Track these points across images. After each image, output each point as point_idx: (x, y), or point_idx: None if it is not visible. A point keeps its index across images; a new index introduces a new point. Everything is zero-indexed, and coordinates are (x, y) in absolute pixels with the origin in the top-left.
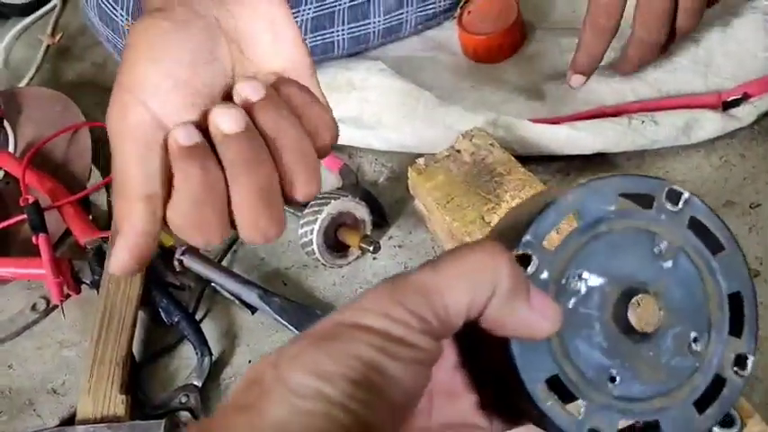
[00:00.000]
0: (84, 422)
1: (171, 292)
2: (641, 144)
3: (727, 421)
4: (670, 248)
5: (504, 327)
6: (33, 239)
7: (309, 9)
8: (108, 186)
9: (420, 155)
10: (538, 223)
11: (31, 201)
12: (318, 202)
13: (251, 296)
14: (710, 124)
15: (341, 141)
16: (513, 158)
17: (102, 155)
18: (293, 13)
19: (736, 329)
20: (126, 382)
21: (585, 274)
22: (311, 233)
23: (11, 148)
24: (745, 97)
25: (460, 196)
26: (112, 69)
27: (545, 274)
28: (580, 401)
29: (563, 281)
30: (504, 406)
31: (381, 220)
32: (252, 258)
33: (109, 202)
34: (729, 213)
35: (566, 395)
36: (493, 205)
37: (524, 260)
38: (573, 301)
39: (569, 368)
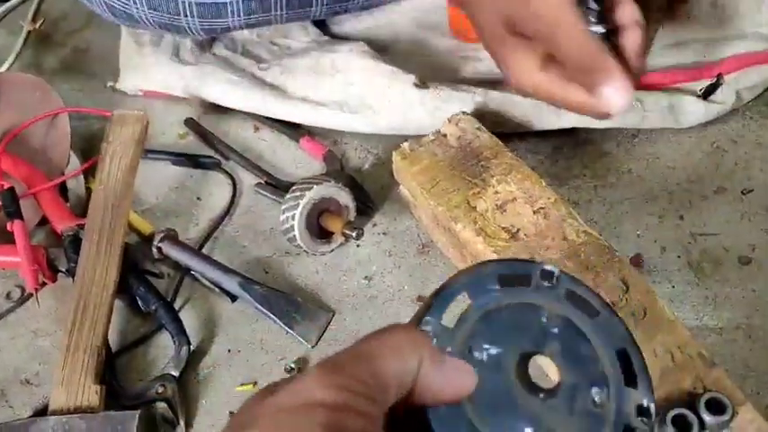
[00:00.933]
0: (58, 413)
1: (148, 280)
2: (629, 123)
3: (719, 409)
4: (553, 317)
5: (429, 390)
6: (8, 226)
7: None
8: (86, 172)
9: (406, 138)
10: (433, 307)
11: (6, 187)
12: (300, 187)
13: (231, 284)
14: (693, 108)
15: (326, 125)
16: (500, 143)
17: (80, 141)
18: None
19: (631, 382)
20: (100, 372)
21: (485, 345)
22: (292, 219)
23: None
24: (720, 78)
25: (446, 180)
26: (94, 55)
27: (448, 349)
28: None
29: (466, 352)
30: None
31: (366, 206)
32: (233, 246)
33: (87, 189)
34: (721, 200)
35: None
36: (479, 190)
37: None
38: (477, 369)
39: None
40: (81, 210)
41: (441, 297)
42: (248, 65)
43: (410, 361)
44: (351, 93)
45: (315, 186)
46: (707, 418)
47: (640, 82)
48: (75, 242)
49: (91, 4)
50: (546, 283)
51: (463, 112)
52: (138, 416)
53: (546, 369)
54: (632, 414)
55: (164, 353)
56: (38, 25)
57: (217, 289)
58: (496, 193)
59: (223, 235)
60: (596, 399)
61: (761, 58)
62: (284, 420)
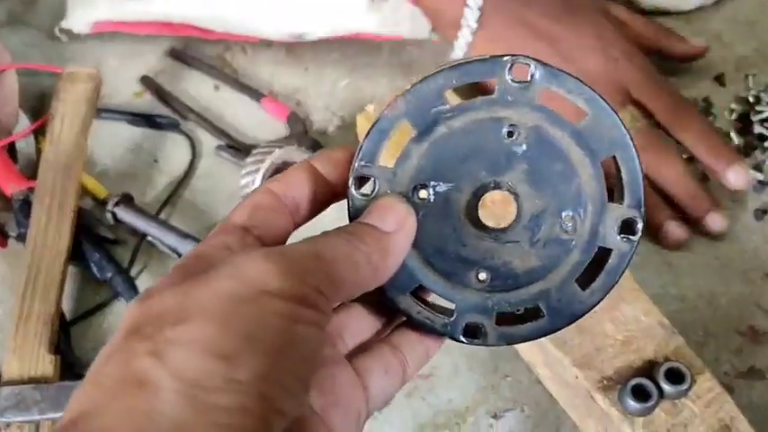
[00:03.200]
0: (11, 383)
1: (104, 247)
2: None
3: (678, 377)
4: (520, 130)
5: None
6: None
7: None
8: (36, 133)
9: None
10: (366, 145)
11: None
12: (262, 150)
13: (189, 248)
14: None
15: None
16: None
17: (30, 99)
18: None
19: (617, 195)
20: (54, 342)
21: (432, 183)
22: (253, 183)
23: None
24: None
25: None
26: (43, 7)
27: (388, 191)
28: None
29: (409, 194)
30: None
31: None
32: (191, 210)
33: (38, 150)
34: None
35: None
36: None
37: (362, 181)
38: (422, 212)
39: (432, 276)
40: (31, 172)
41: (375, 132)
42: None
43: (362, 268)
44: None
45: (276, 150)
46: (666, 387)
47: None
48: (26, 206)
49: None
50: (516, 85)
51: None
52: None
53: (499, 204)
54: (611, 233)
55: (120, 322)
56: None
57: (175, 255)
58: None
59: (181, 199)
60: (568, 224)
61: None
62: (235, 310)
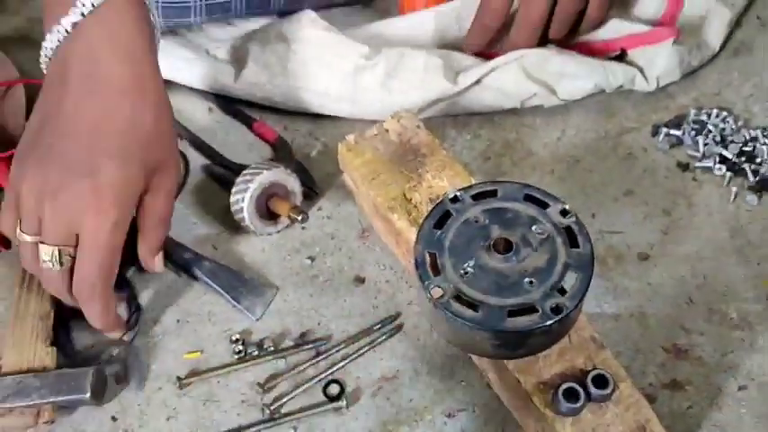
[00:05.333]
0: (11, 374)
1: None
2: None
3: (603, 383)
4: (545, 232)
5: None
6: None
7: None
8: None
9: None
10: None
11: None
12: (252, 171)
13: (182, 259)
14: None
15: (273, 100)
16: (436, 141)
17: None
18: None
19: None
20: (51, 336)
21: (484, 218)
22: (242, 201)
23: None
24: (623, 52)
25: (385, 173)
26: None
27: (466, 215)
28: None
29: (473, 221)
30: None
31: (312, 191)
32: (183, 222)
33: None
34: (628, 202)
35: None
36: (415, 183)
37: (454, 200)
38: (468, 229)
39: (448, 258)
40: None
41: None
42: (204, 43)
43: None
44: (295, 63)
45: (265, 171)
46: (592, 390)
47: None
48: None
49: None
50: (558, 218)
51: (405, 111)
52: (91, 373)
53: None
54: (559, 220)
55: None
56: None
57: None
58: (430, 187)
59: (174, 211)
60: (539, 230)
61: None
62: None
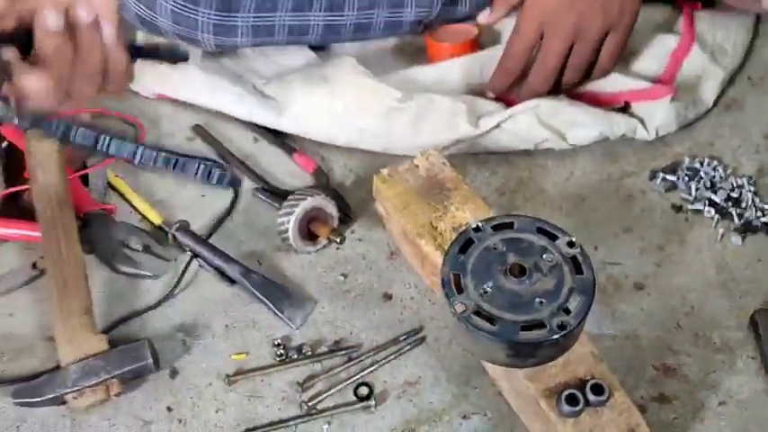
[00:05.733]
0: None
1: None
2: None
3: (599, 391)
4: (554, 260)
5: None
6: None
7: None
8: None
9: (385, 157)
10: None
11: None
12: (297, 197)
13: (233, 271)
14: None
15: (316, 137)
16: (459, 177)
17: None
18: None
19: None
20: (95, 324)
21: (501, 246)
22: (288, 223)
23: (15, 122)
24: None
25: (414, 204)
26: None
27: (486, 243)
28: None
29: (492, 248)
30: None
31: (347, 216)
32: (232, 239)
33: (105, 180)
34: (627, 238)
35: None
36: (440, 213)
37: (477, 230)
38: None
39: (470, 279)
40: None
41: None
42: (251, 79)
43: None
44: (336, 103)
45: (308, 198)
46: (591, 397)
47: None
48: (85, 223)
49: (123, 10)
50: (565, 248)
51: (433, 149)
52: (146, 343)
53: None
54: (566, 251)
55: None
56: None
57: (218, 274)
58: (454, 217)
59: (224, 229)
60: (549, 258)
61: (648, 94)
62: None
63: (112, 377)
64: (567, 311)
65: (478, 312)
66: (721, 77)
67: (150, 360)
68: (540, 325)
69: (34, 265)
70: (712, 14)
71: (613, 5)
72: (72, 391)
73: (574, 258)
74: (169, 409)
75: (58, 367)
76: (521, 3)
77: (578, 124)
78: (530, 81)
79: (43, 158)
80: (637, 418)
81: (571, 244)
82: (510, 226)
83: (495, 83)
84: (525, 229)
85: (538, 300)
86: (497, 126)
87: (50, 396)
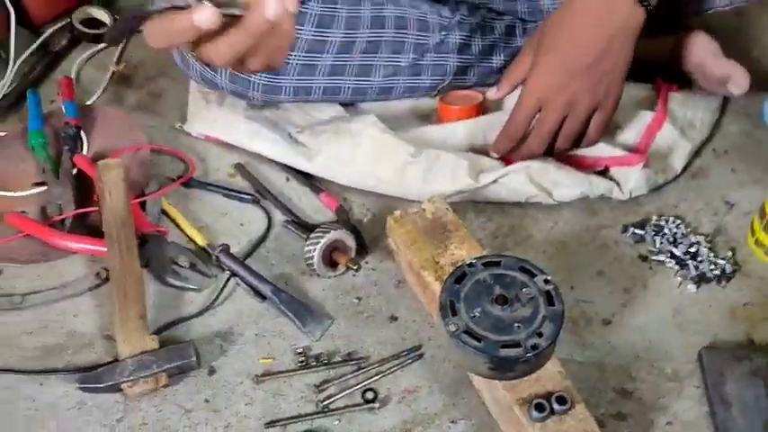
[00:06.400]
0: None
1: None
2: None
3: (563, 401)
4: (531, 293)
5: None
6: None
7: (329, 56)
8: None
9: (399, 199)
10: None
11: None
12: (322, 230)
13: (265, 289)
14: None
15: (338, 180)
16: (459, 221)
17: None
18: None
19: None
20: (147, 328)
21: (489, 280)
22: (314, 251)
23: (84, 152)
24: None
25: (420, 242)
26: (165, 100)
27: (477, 276)
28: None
29: (482, 281)
30: None
31: (362, 248)
32: (264, 262)
33: (160, 207)
34: (600, 280)
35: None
36: (442, 251)
37: (470, 266)
38: (478, 286)
39: (463, 305)
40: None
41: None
42: (287, 127)
43: None
44: (359, 154)
45: (332, 231)
46: (555, 406)
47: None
48: (142, 242)
49: (186, 68)
50: (541, 284)
51: (438, 196)
52: (191, 344)
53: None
54: (542, 286)
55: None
56: (120, 67)
57: (251, 291)
58: (453, 254)
59: (258, 253)
60: (527, 291)
61: (624, 161)
62: None
63: (162, 371)
64: (540, 335)
65: (468, 332)
66: (689, 149)
67: (194, 358)
68: (517, 345)
69: (97, 275)
70: (685, 95)
71: (601, 87)
72: (127, 381)
73: (548, 293)
74: (206, 401)
75: (115, 360)
76: (523, 81)
77: (563, 185)
78: (528, 144)
79: (112, 185)
80: (593, 427)
81: (546, 281)
82: (498, 264)
83: (499, 145)
84: (510, 267)
85: (516, 324)
86: (494, 181)
87: (110, 383)
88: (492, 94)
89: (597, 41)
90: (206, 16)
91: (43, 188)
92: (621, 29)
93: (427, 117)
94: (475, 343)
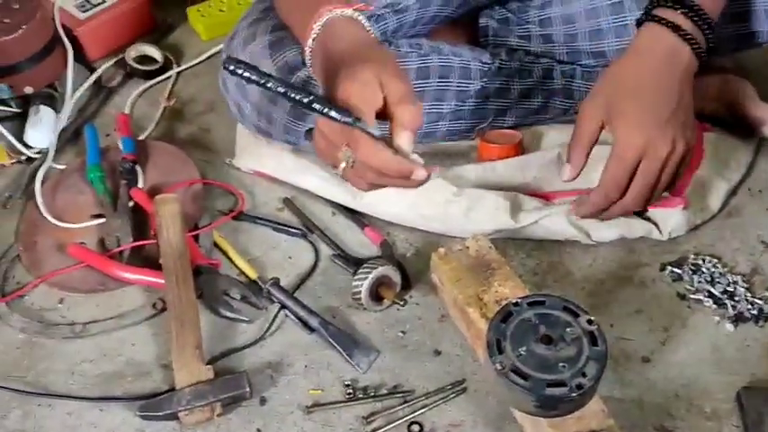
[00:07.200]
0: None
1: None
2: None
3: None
4: (575, 333)
5: None
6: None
7: None
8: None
9: (443, 237)
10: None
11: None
12: (369, 265)
13: (313, 321)
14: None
15: (384, 216)
16: (503, 259)
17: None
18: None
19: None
20: (204, 359)
21: (534, 319)
22: (361, 286)
23: (140, 186)
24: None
25: (465, 279)
26: (214, 135)
27: (523, 316)
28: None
29: (527, 320)
30: None
31: (406, 283)
32: (312, 295)
33: (214, 242)
34: (638, 317)
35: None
36: (485, 288)
37: (516, 305)
38: (524, 325)
39: (509, 343)
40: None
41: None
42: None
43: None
44: (404, 193)
45: (379, 267)
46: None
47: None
48: (196, 274)
49: (242, 119)
50: (585, 325)
51: (482, 235)
52: (245, 375)
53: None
54: (586, 326)
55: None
56: (171, 103)
57: (300, 323)
58: (496, 292)
59: (306, 286)
60: (572, 331)
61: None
62: None
63: (217, 400)
64: (584, 375)
65: (514, 370)
66: (726, 189)
67: (248, 389)
68: (562, 384)
69: (153, 305)
70: (720, 135)
71: (688, 131)
72: (185, 410)
73: (591, 333)
74: (259, 430)
75: (172, 389)
76: (594, 144)
77: (601, 227)
78: (623, 203)
79: (168, 219)
80: None
81: (590, 321)
82: (542, 303)
83: (592, 208)
84: (554, 307)
85: (561, 364)
86: (534, 222)
87: (168, 412)
88: (566, 174)
89: (672, 84)
90: (422, 176)
91: (102, 220)
92: (685, 71)
93: (467, 155)
94: (522, 381)
